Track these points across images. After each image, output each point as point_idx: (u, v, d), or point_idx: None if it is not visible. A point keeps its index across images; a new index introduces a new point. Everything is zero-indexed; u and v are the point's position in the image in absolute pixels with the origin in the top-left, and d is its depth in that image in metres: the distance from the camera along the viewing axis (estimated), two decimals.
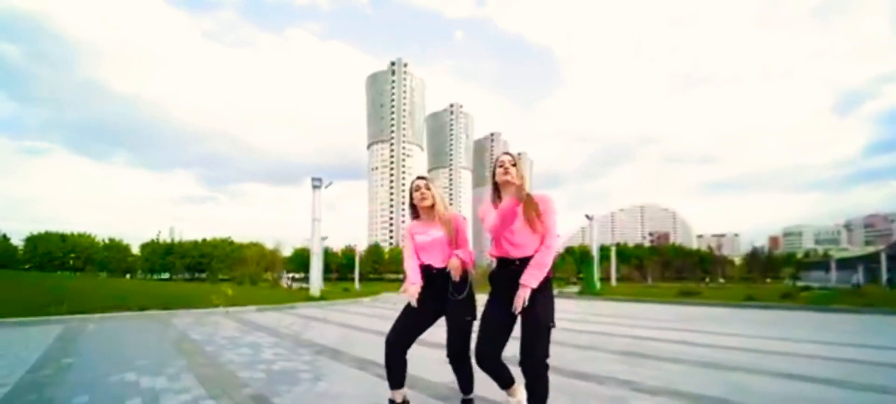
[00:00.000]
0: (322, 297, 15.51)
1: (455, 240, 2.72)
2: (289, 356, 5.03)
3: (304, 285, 25.86)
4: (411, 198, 2.82)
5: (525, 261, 2.38)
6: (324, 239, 37.63)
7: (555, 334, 2.41)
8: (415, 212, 2.87)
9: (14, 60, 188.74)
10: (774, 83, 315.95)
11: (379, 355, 5.08)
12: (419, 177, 2.86)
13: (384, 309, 12.31)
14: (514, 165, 2.45)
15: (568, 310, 12.22)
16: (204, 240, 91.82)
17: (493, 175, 2.54)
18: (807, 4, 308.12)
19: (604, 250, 49.53)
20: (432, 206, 2.79)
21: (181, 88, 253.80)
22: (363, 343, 6.04)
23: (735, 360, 4.81)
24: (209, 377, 3.98)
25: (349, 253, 79.41)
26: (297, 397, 3.35)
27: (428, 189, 2.81)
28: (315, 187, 15.79)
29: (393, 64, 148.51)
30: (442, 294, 2.68)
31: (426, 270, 2.73)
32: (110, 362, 4.68)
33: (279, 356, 5.02)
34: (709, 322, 9.24)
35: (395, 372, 2.68)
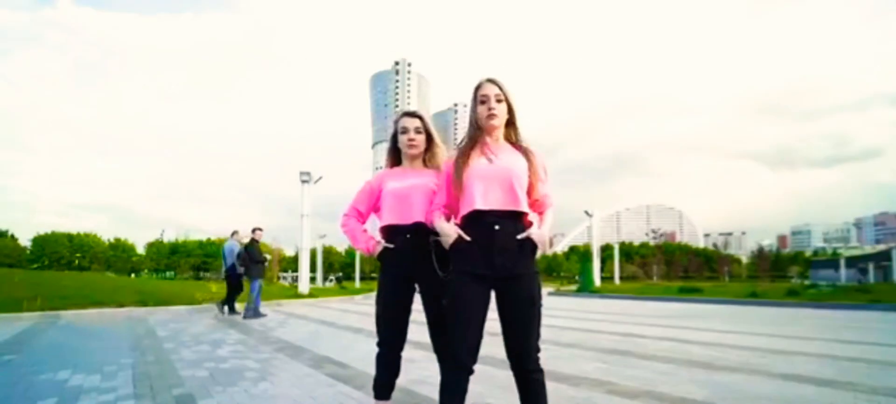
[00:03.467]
0: (311, 294, 15.19)
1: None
2: (246, 353, 4.71)
3: None
4: (394, 142, 2.02)
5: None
6: (322, 237, 37.45)
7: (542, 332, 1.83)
8: (395, 160, 2.07)
9: None
10: None
11: (341, 353, 4.77)
12: (406, 113, 1.99)
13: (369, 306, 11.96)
14: None
15: (559, 308, 11.82)
16: (208, 240, 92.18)
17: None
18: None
19: (608, 249, 48.92)
20: (428, 149, 1.98)
21: (192, 84, 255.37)
22: (330, 340, 5.70)
23: (727, 359, 4.40)
24: (147, 376, 3.66)
25: (352, 252, 79.30)
26: (228, 398, 3.00)
27: (419, 132, 1.94)
28: (304, 182, 15.49)
29: (397, 63, 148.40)
30: (416, 264, 1.86)
31: (395, 232, 1.91)
32: (53, 359, 4.37)
33: (236, 353, 4.69)
34: (707, 319, 8.81)
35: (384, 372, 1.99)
